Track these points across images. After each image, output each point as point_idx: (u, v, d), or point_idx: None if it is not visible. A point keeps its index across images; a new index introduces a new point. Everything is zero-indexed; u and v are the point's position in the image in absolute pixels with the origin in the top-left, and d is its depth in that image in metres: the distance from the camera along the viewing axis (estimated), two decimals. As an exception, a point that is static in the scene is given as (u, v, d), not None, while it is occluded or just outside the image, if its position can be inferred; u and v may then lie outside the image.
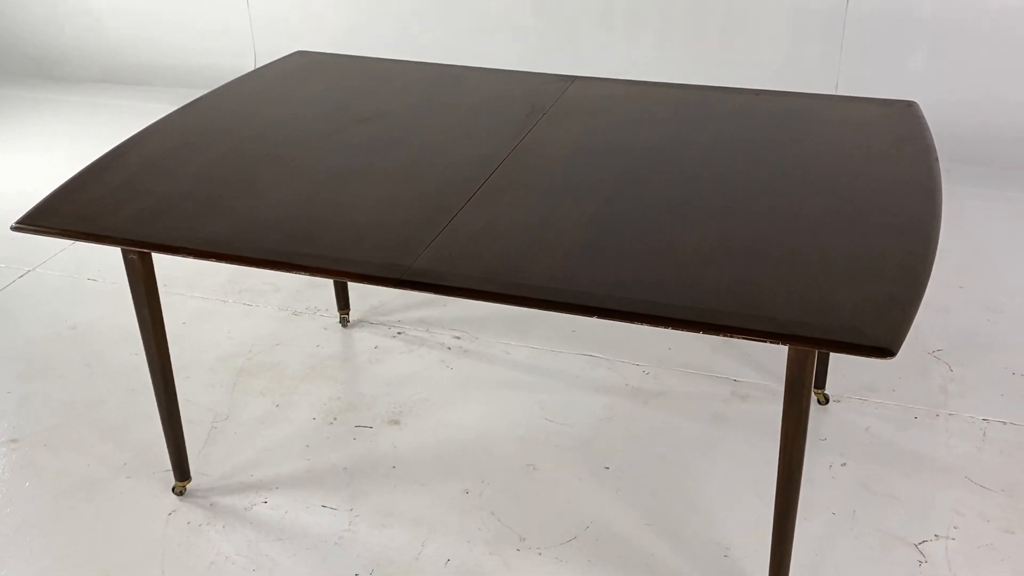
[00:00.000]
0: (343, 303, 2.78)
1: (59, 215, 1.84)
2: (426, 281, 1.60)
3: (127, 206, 1.84)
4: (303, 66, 2.52)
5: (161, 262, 1.93)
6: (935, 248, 1.64)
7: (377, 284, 1.62)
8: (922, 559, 2.00)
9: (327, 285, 2.94)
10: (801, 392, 1.58)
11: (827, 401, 2.42)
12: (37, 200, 1.89)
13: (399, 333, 2.76)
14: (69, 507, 2.18)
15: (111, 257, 3.10)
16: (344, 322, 2.79)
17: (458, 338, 2.73)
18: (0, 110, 4.51)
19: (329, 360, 2.65)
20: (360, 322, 2.81)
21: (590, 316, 1.52)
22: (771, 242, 1.66)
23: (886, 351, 1.40)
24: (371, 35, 4.23)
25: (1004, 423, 2.35)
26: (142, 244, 1.76)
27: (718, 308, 1.49)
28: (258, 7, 4.41)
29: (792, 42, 3.76)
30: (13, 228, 1.83)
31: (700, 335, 2.70)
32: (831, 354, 2.41)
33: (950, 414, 2.39)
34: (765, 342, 1.47)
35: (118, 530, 2.12)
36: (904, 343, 1.40)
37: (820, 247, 1.64)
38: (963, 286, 2.89)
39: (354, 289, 2.91)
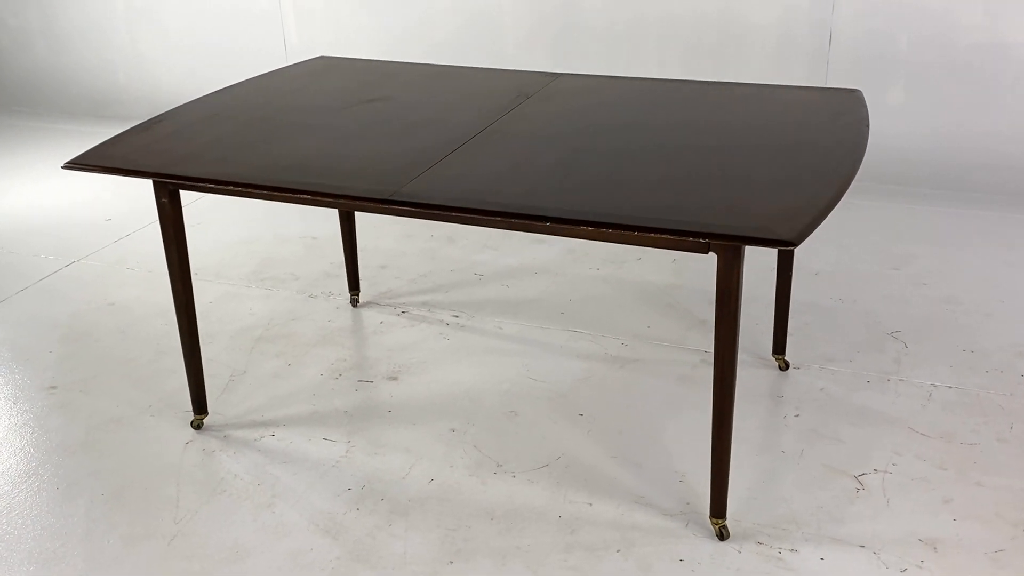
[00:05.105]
0: (354, 285, 3.06)
1: (103, 158, 2.15)
2: (409, 200, 1.88)
3: (162, 155, 2.15)
4: (323, 66, 2.85)
5: (194, 253, 2.15)
6: (848, 181, 1.89)
7: (368, 204, 1.90)
8: (860, 487, 2.20)
9: (341, 275, 3.23)
10: (729, 296, 1.82)
11: (787, 367, 2.64)
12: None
13: (403, 312, 3.03)
14: (98, 436, 2.45)
15: (147, 248, 3.44)
16: (354, 302, 3.07)
17: (456, 316, 3.00)
18: (58, 143, 4.92)
19: (338, 331, 2.92)
20: (369, 303, 3.09)
21: (542, 224, 1.79)
22: (706, 176, 1.94)
23: (790, 243, 1.65)
24: (407, 59, 4.57)
25: (950, 387, 2.56)
26: (174, 178, 2.06)
27: (651, 217, 1.76)
28: (294, 47, 4.81)
29: (779, 78, 4.06)
30: (64, 167, 2.14)
31: (676, 316, 2.94)
32: (789, 326, 2.65)
33: (900, 380, 2.60)
34: (690, 240, 1.72)
35: (140, 453, 2.38)
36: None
37: (748, 178, 1.91)
38: (927, 283, 3.12)
39: (364, 278, 3.20)
